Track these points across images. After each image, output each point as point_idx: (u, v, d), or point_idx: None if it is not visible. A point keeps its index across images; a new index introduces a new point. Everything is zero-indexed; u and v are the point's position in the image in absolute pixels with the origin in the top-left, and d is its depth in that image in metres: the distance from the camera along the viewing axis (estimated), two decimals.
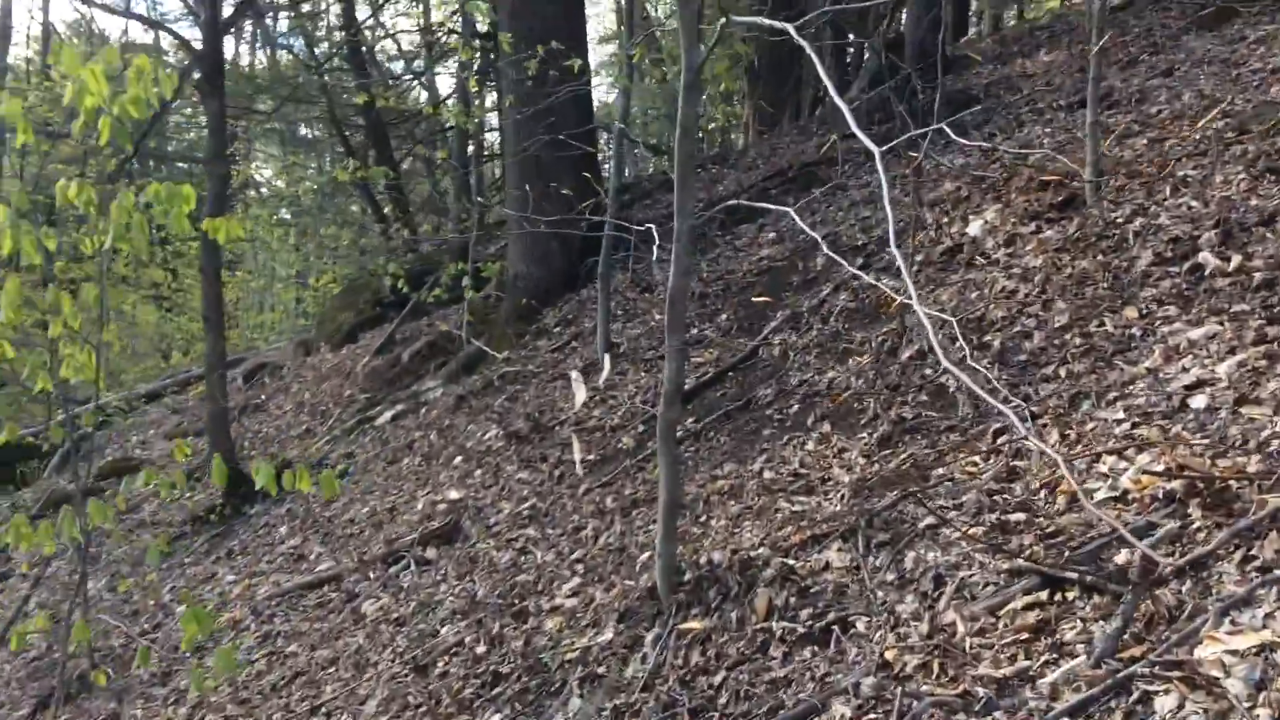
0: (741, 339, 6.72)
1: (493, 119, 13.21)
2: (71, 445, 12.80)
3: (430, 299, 10.13)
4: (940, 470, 4.05)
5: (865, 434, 4.71)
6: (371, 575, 5.98)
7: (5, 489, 12.09)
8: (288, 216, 23.26)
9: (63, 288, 4.62)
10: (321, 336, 12.42)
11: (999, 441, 4.08)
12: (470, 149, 11.86)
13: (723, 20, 3.57)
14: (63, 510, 4.38)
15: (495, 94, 9.24)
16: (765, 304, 7.00)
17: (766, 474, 4.79)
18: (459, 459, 7.27)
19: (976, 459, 4.03)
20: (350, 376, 10.62)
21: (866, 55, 17.55)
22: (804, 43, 3.43)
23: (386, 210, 14.03)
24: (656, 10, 19.46)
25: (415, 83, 16.21)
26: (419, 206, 13.62)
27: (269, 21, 20.32)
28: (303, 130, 26.79)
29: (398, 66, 19.26)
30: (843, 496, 4.21)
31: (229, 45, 25.49)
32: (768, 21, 3.56)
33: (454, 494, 6.29)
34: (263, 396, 11.59)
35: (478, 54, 10.71)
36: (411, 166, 16.56)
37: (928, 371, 4.88)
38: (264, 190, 25.14)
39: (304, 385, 11.28)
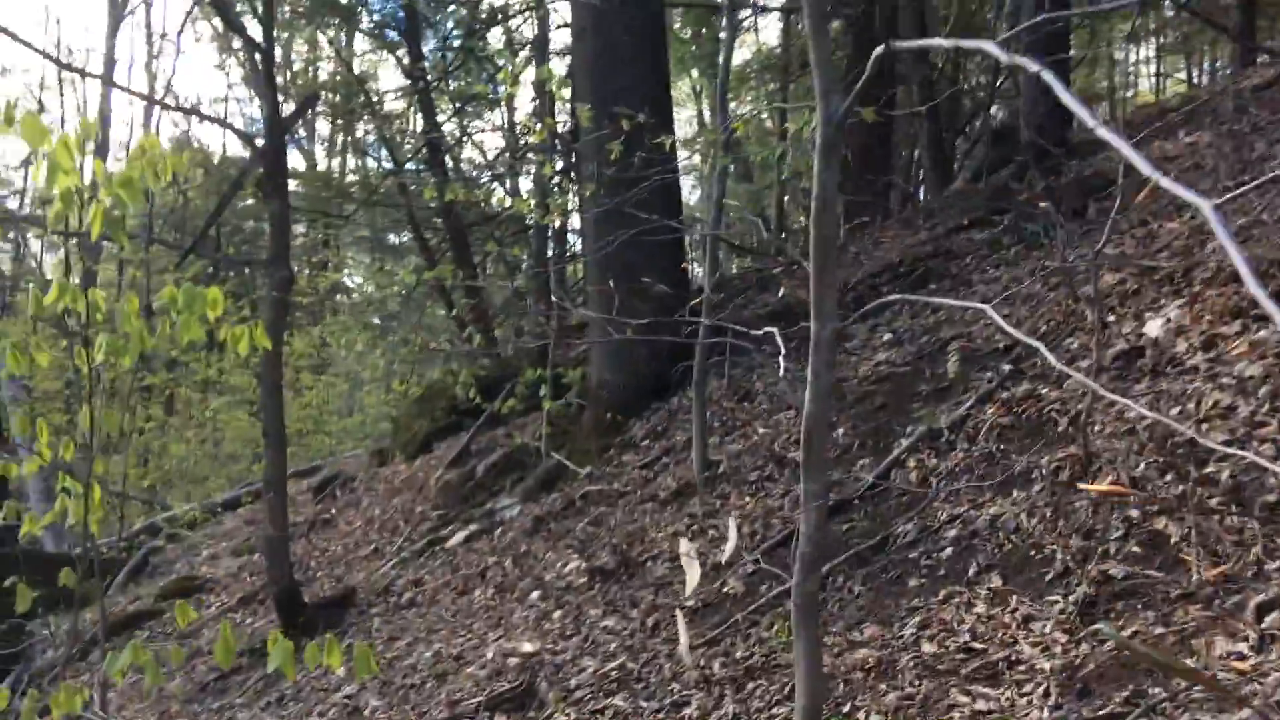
0: (864, 459, 5.61)
1: (574, 219, 12.50)
2: (135, 561, 12.08)
3: (506, 409, 9.21)
4: (1188, 659, 2.88)
5: (1058, 596, 3.55)
6: None
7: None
8: (376, 320, 22.92)
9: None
10: (396, 446, 11.58)
11: (1269, 620, 2.91)
12: (551, 249, 11.11)
13: (881, 48, 2.59)
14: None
15: (574, 185, 8.45)
16: (891, 419, 5.89)
17: (925, 646, 3.64)
18: (535, 595, 6.21)
19: (1239, 645, 2.86)
20: (423, 490, 9.70)
21: (972, 143, 16.58)
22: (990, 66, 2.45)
23: (462, 314, 13.31)
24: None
25: (495, 184, 15.67)
26: (498, 310, 12.85)
27: (355, 128, 20.21)
28: (391, 238, 26.73)
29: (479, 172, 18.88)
30: (1045, 691, 3.05)
31: (313, 151, 25.62)
32: (938, 41, 2.59)
33: (528, 646, 5.22)
34: (333, 511, 10.73)
35: (559, 161, 9.99)
36: (495, 271, 15.95)
37: (1133, 513, 3.72)
38: (355, 295, 24.89)
39: (375, 499, 10.39)
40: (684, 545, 5.30)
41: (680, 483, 6.63)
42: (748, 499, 5.89)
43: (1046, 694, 3.03)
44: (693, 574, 5.00)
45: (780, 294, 9.74)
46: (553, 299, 9.68)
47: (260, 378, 7.81)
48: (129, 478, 19.87)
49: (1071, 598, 3.49)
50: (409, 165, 12.73)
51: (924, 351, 6.61)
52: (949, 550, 4.29)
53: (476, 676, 5.26)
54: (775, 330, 3.71)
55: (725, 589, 5.02)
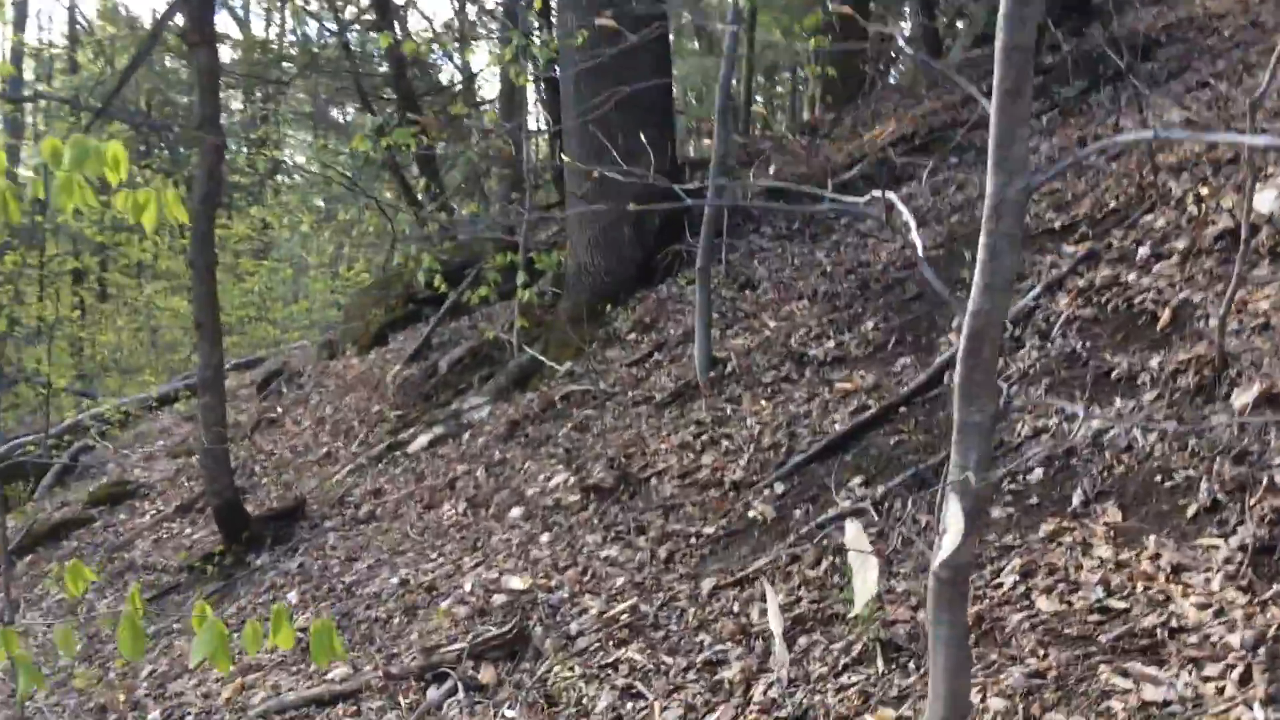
0: (904, 358, 4.78)
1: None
2: (63, 462, 11.06)
3: (476, 298, 8.22)
4: None
5: (1214, 539, 2.77)
6: (402, 701, 4.10)
7: None
8: (320, 202, 21.49)
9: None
10: (348, 338, 10.55)
11: None
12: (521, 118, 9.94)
13: None
14: None
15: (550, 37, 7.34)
16: (931, 309, 5.05)
17: (1040, 601, 2.86)
18: (517, 513, 5.37)
19: None
20: (379, 388, 8.75)
21: (956, 12, 15.47)
22: None
23: (417, 193, 12.13)
24: None
25: (446, 55, 14.26)
26: (457, 189, 11.70)
27: None
28: (335, 114, 25.04)
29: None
30: (1243, 675, 2.28)
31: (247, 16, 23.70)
32: None
33: (516, 581, 4.38)
34: (279, 409, 9.75)
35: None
36: (447, 151, 14.66)
37: None
38: (296, 177, 23.39)
39: (326, 396, 9.42)
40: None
41: (679, 383, 5.76)
42: (763, 403, 5.04)
43: (1245, 679, 2.26)
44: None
45: (771, 170, 8.78)
46: (523, 172, 8.60)
47: (190, 261, 6.74)
48: (57, 369, 18.66)
49: (1234, 540, 2.71)
50: (353, 28, 11.36)
51: (956, 233, 5.74)
52: (1038, 472, 3.48)
53: (455, 615, 4.43)
54: (890, 193, 2.78)
55: (750, 512, 4.20)
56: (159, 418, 12.67)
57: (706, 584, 3.80)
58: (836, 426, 4.46)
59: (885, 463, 4.03)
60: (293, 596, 5.88)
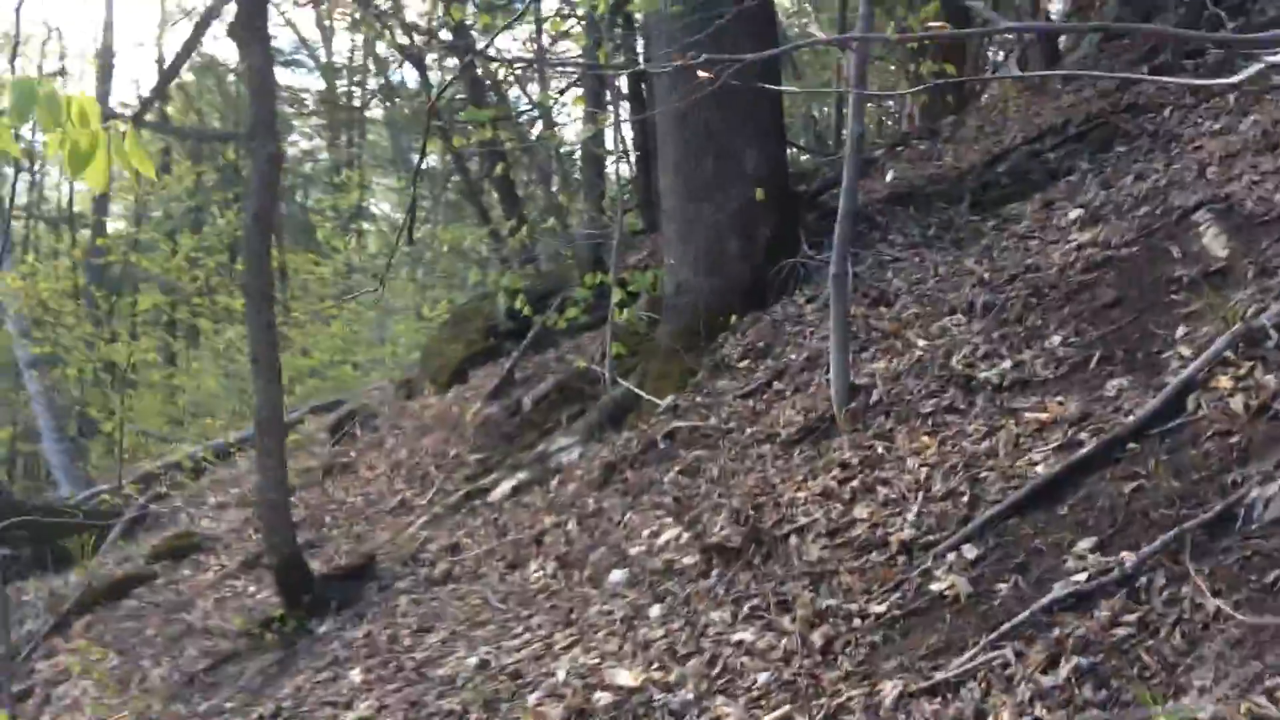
0: (1117, 380, 3.68)
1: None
2: (133, 512, 10.41)
3: (560, 323, 7.30)
4: None
5: None
6: None
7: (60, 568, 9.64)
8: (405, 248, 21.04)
9: None
10: (425, 375, 9.73)
11: None
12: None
13: None
14: None
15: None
16: (1140, 317, 3.94)
17: None
18: (619, 577, 4.37)
19: None
20: (457, 429, 7.86)
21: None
22: None
23: (498, 225, 11.35)
24: None
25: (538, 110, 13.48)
26: (542, 210, 10.87)
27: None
28: (415, 157, 24.74)
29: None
30: None
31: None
32: None
33: (624, 675, 3.38)
34: (352, 453, 8.93)
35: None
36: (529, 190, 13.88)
37: None
38: (383, 225, 23.04)
39: (402, 439, 8.57)
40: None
41: (809, 416, 4.72)
42: (924, 439, 3.98)
43: None
44: None
45: (889, 178, 7.73)
46: (604, 184, 7.70)
47: (243, 286, 5.95)
48: (144, 416, 18.31)
49: None
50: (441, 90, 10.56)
51: (1150, 226, 4.62)
52: None
53: (546, 716, 3.43)
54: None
55: (933, 584, 3.14)
56: (237, 464, 12.01)
57: (888, 689, 2.74)
58: (1038, 469, 3.39)
59: (1124, 519, 2.94)
60: (356, 675, 4.95)
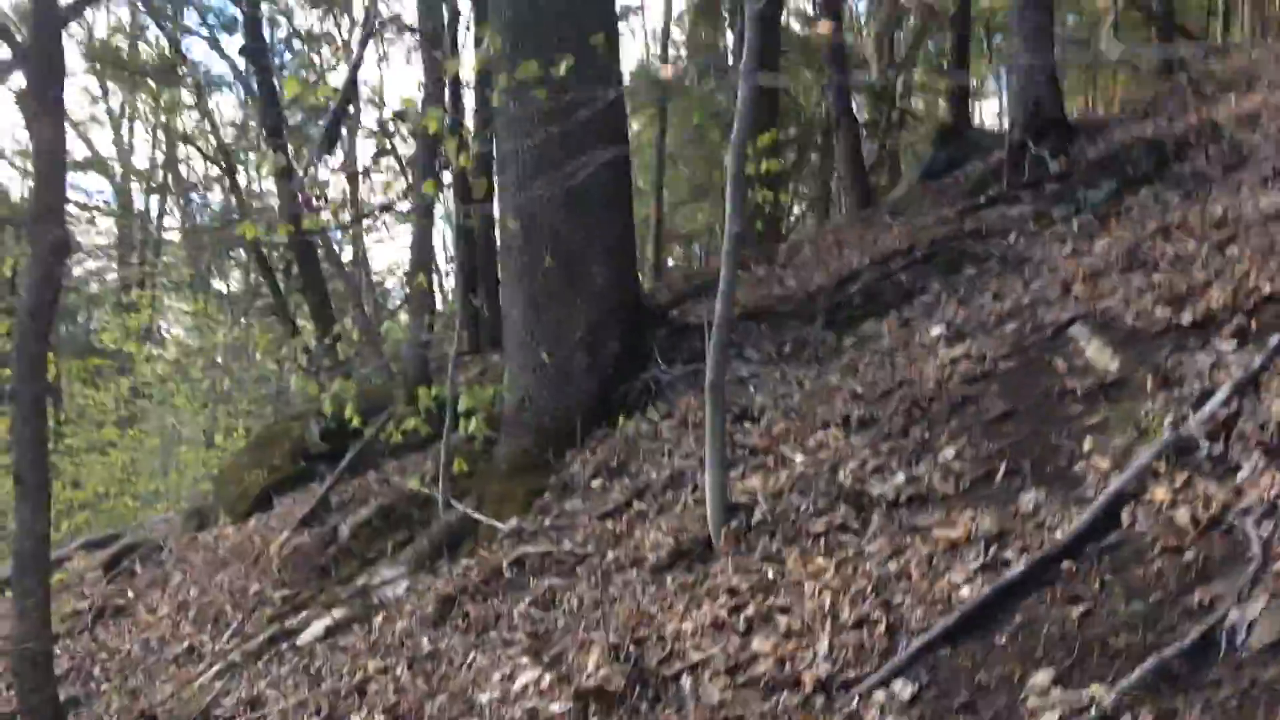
0: (1029, 492, 3.38)
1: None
2: None
3: (396, 436, 6.56)
4: None
5: None
6: None
7: None
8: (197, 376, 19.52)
9: None
10: (221, 505, 8.63)
11: None
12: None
13: None
14: None
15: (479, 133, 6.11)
16: (1038, 429, 3.70)
17: None
18: None
19: None
20: (259, 562, 6.87)
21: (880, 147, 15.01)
22: None
23: (310, 336, 10.51)
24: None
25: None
26: (368, 321, 10.11)
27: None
28: (216, 284, 23.42)
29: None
30: None
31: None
32: None
33: None
34: (130, 593, 7.70)
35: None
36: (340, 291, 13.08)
37: None
38: (171, 349, 21.39)
39: (192, 575, 7.44)
40: None
41: (680, 538, 4.21)
42: (820, 561, 3.54)
43: None
44: None
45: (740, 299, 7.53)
46: (465, 291, 7.14)
47: (12, 394, 4.97)
48: None
49: None
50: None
51: (1022, 341, 4.49)
52: None
53: None
54: None
55: None
56: None
57: None
58: (962, 592, 3.00)
59: (1080, 647, 2.56)
60: None
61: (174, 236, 23.66)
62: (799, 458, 4.35)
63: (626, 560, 4.32)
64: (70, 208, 17.84)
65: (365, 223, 12.37)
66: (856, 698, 2.78)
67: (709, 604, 3.57)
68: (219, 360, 16.73)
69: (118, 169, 22.13)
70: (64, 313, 23.01)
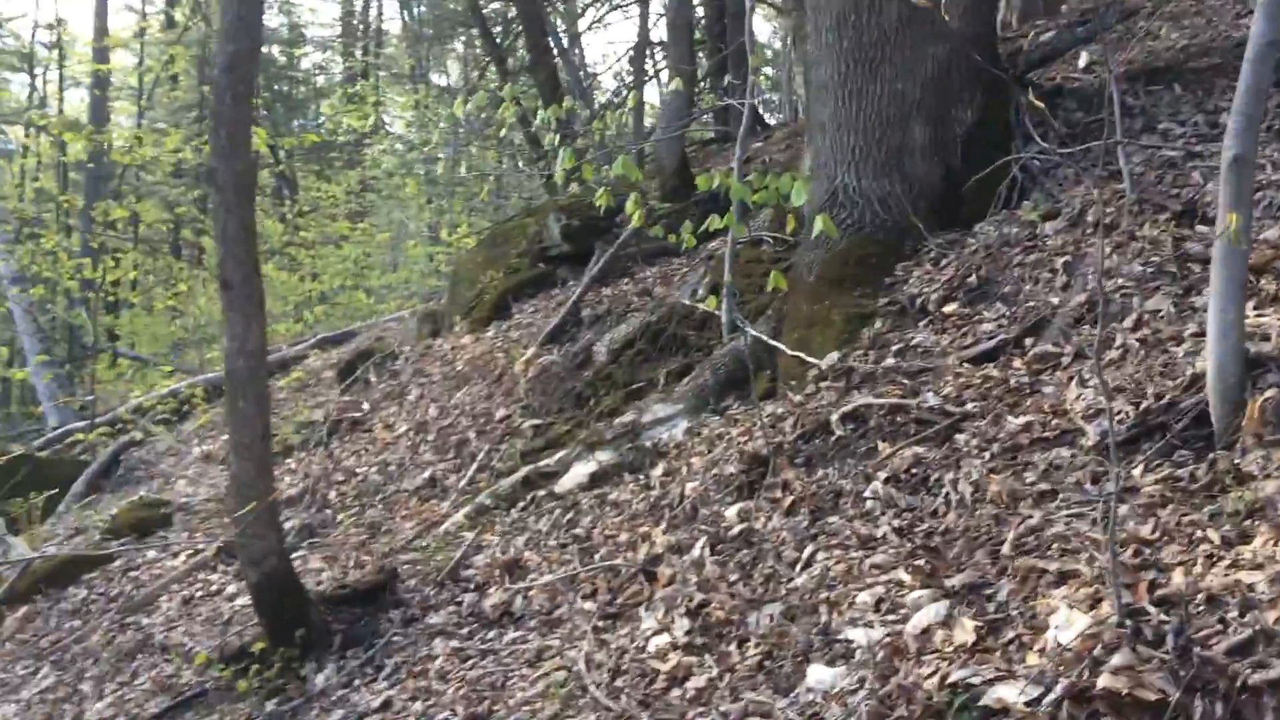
0: None
1: None
2: (103, 460, 8.50)
3: (690, 240, 5.20)
4: None
5: None
6: None
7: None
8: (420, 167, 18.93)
9: None
10: (456, 309, 7.69)
11: None
12: None
13: None
14: None
15: None
16: None
17: None
18: (823, 677, 2.42)
19: None
20: (503, 382, 5.86)
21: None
22: None
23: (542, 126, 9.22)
24: None
25: None
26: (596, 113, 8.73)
27: None
28: (435, 77, 22.46)
29: None
30: None
31: None
32: None
33: None
34: (365, 405, 6.95)
35: None
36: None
37: None
38: (397, 146, 20.82)
39: (429, 390, 6.57)
40: None
41: (1144, 405, 2.72)
42: None
43: None
44: None
45: (1083, 63, 5.60)
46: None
47: (210, 174, 3.92)
48: (146, 340, 16.34)
49: None
50: None
51: None
52: None
53: None
54: None
55: None
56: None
57: None
58: None
59: None
60: None
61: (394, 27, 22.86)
62: None
63: (1049, 431, 2.87)
64: None
65: None
66: None
67: (1256, 534, 2.09)
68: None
69: None
70: (295, 103, 22.81)
